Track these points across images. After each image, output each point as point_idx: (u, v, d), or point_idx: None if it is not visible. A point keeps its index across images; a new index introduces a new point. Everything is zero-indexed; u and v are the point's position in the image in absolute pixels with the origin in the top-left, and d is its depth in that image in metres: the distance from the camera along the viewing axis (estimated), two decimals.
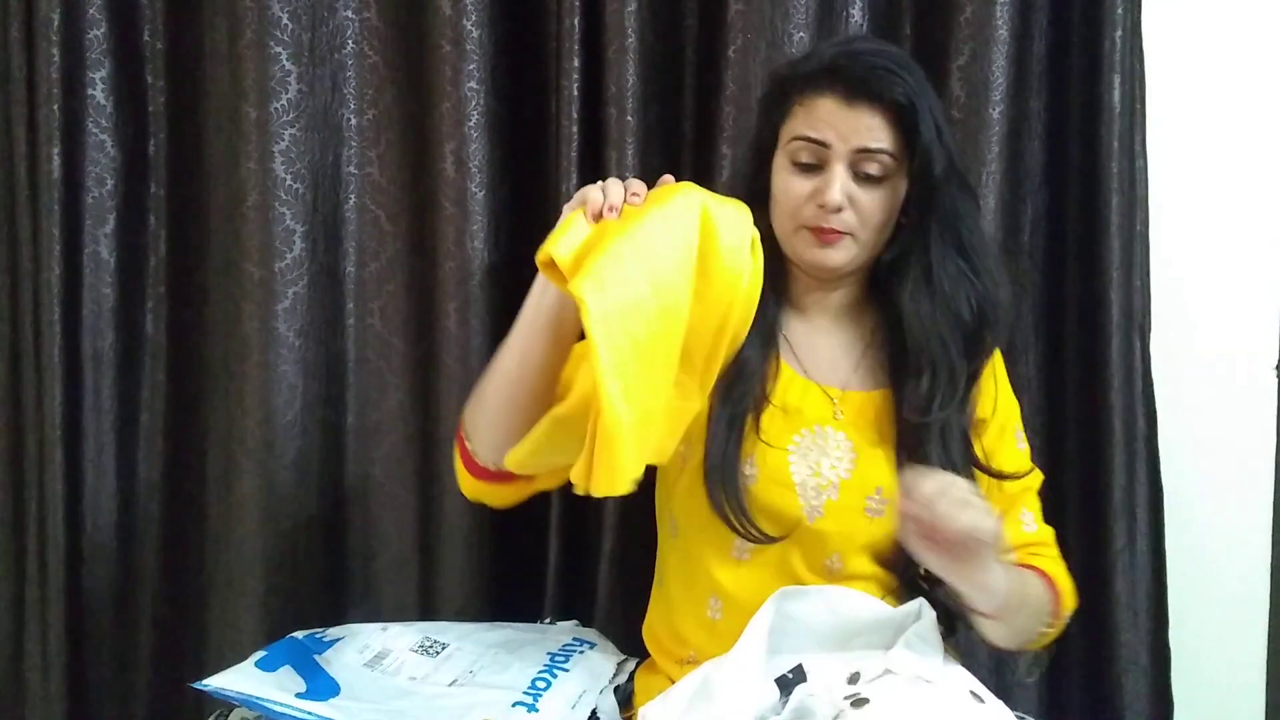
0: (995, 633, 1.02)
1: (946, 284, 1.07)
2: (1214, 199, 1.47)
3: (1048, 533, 1.16)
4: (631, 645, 1.27)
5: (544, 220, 1.43)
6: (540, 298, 0.99)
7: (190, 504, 1.50)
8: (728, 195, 1.05)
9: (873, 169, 1.05)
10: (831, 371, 1.13)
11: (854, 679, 0.94)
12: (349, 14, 1.41)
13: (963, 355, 1.08)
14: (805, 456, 1.08)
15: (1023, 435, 1.17)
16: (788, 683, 0.97)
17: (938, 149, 1.04)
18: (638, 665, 1.23)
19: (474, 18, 1.36)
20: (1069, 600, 1.12)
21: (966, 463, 1.09)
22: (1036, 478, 1.16)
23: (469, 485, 1.09)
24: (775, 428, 1.09)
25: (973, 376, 1.10)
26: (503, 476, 1.05)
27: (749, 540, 1.07)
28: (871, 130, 1.04)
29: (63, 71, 1.37)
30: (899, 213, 1.09)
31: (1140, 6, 1.38)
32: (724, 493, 1.06)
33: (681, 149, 1.45)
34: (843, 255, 1.08)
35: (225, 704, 1.12)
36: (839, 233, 1.06)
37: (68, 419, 1.42)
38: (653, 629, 1.20)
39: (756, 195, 1.11)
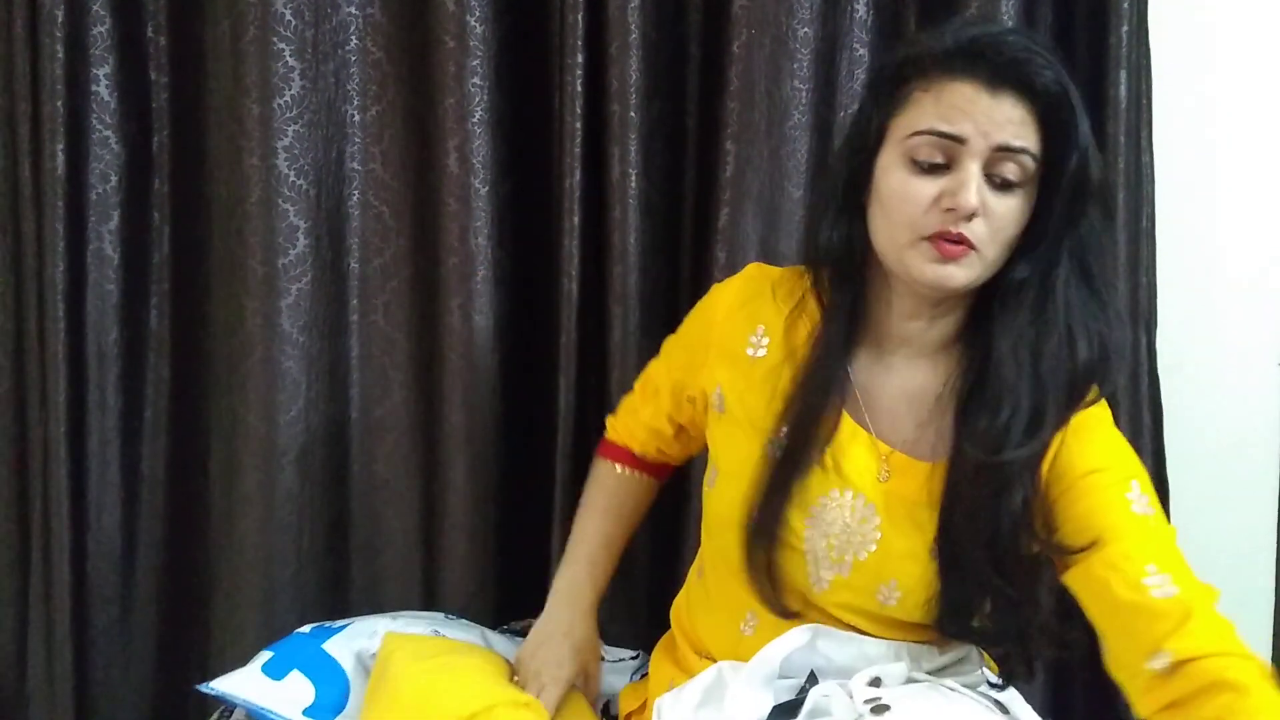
0: None
1: (1065, 316, 0.90)
2: (1220, 195, 1.47)
3: (1199, 594, 0.88)
4: (632, 641, 1.27)
5: (547, 216, 1.43)
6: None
7: (194, 500, 1.50)
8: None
9: (1010, 172, 0.89)
10: (891, 425, 0.99)
11: (875, 682, 0.93)
12: (352, 10, 1.41)
13: (1062, 399, 0.91)
14: (827, 524, 0.97)
15: (1141, 496, 0.93)
16: (802, 690, 0.96)
17: (1094, 152, 0.89)
18: (642, 664, 1.23)
19: (478, 14, 1.36)
20: None
21: (1018, 531, 0.91)
22: (1160, 533, 0.92)
23: None
24: (808, 481, 0.98)
25: (1059, 425, 0.92)
26: None
27: (767, 607, 1.00)
28: (1014, 125, 0.87)
29: (66, 68, 1.37)
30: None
31: (1146, 1, 1.37)
32: (763, 554, 0.98)
33: (685, 145, 1.44)
34: (966, 274, 0.91)
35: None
36: (967, 246, 0.89)
37: (72, 415, 1.42)
38: (679, 615, 1.17)
39: (848, 208, 0.97)
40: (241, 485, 1.41)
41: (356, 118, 1.43)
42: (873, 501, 0.97)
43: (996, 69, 0.87)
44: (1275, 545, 1.49)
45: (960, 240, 0.89)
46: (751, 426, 1.02)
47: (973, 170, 0.88)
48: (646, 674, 1.20)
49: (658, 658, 1.18)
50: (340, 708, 1.09)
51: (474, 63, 1.36)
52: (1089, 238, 0.91)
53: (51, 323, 1.40)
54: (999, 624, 0.96)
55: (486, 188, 1.39)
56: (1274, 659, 1.48)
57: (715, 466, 1.07)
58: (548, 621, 1.16)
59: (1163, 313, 1.41)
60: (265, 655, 1.14)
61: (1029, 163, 0.89)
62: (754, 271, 1.11)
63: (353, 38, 1.41)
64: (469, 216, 1.39)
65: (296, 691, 1.09)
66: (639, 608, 1.23)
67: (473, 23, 1.36)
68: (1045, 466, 0.93)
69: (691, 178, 1.44)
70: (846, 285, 0.98)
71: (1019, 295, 0.92)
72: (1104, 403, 0.97)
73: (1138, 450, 1.36)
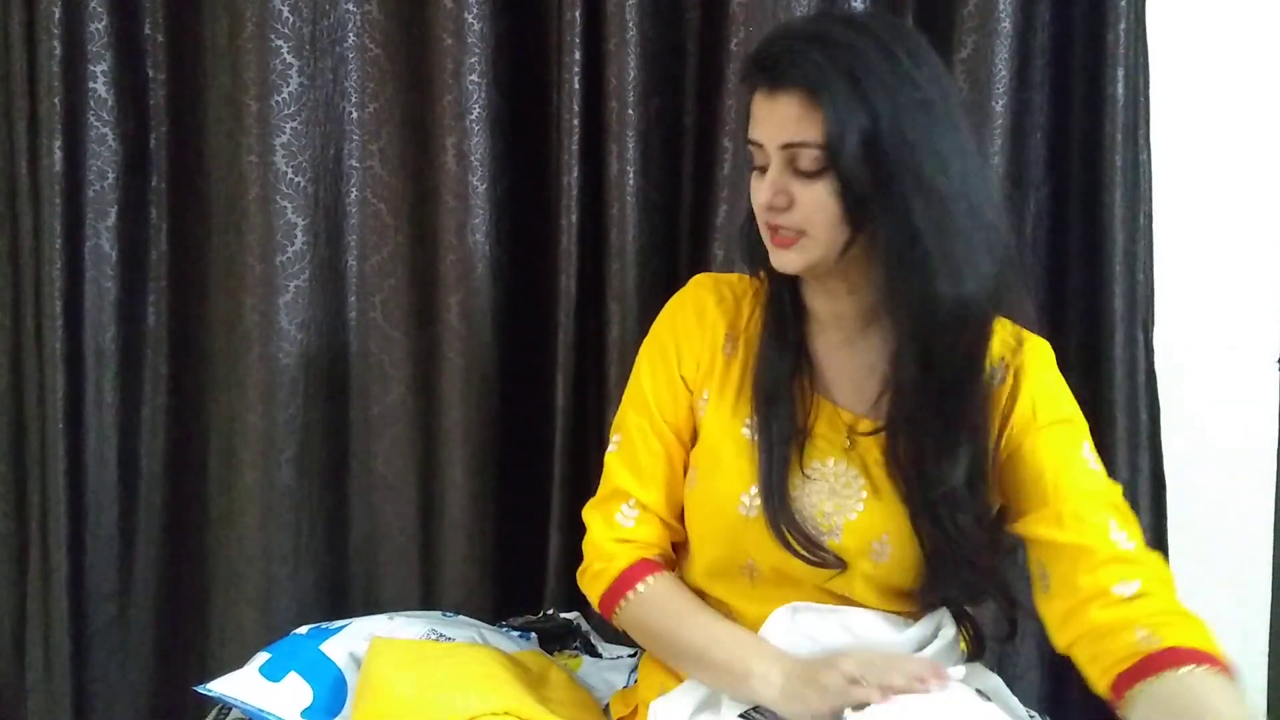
0: None
1: (901, 278, 0.95)
2: (1217, 192, 1.47)
3: (1152, 555, 0.98)
4: (631, 640, 1.27)
5: (545, 213, 1.43)
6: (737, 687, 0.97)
7: (192, 497, 1.50)
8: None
9: (804, 163, 0.94)
10: (855, 393, 1.04)
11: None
12: (350, 7, 1.41)
13: (915, 359, 0.96)
14: (811, 495, 1.01)
15: (1093, 453, 1.02)
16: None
17: (850, 135, 0.90)
18: (640, 655, 1.23)
19: (475, 11, 1.36)
20: (1225, 659, 0.90)
21: (971, 479, 0.97)
22: (1113, 491, 1.02)
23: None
24: (788, 455, 1.02)
25: (947, 366, 0.96)
26: None
27: (814, 565, 1.00)
28: (793, 122, 0.93)
29: (64, 65, 1.37)
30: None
31: None
32: (784, 525, 0.99)
33: (682, 142, 1.44)
34: (800, 258, 0.97)
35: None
36: (793, 233, 0.96)
37: (70, 413, 1.42)
38: None
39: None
40: (240, 482, 1.42)
41: (354, 115, 1.43)
42: (853, 466, 1.02)
43: (768, 75, 0.95)
44: (1272, 541, 1.49)
45: (783, 234, 0.97)
46: (730, 418, 1.06)
47: (771, 170, 0.96)
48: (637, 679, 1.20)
49: (646, 664, 1.18)
50: (338, 710, 1.09)
51: (472, 60, 1.36)
52: (899, 207, 0.92)
53: (49, 320, 1.40)
54: (966, 581, 1.01)
55: (484, 185, 1.39)
56: (1271, 657, 1.49)
57: (695, 467, 1.07)
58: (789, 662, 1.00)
59: (1160, 311, 1.41)
60: (263, 656, 1.14)
61: (814, 152, 0.93)
62: (704, 280, 1.14)
63: (350, 34, 1.41)
64: (467, 214, 1.39)
65: (294, 693, 1.09)
66: None
67: (471, 20, 1.36)
68: (1002, 412, 1.00)
69: (689, 175, 1.44)
70: (765, 271, 1.05)
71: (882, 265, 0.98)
72: (1046, 345, 1.06)
73: (1135, 449, 1.38)
